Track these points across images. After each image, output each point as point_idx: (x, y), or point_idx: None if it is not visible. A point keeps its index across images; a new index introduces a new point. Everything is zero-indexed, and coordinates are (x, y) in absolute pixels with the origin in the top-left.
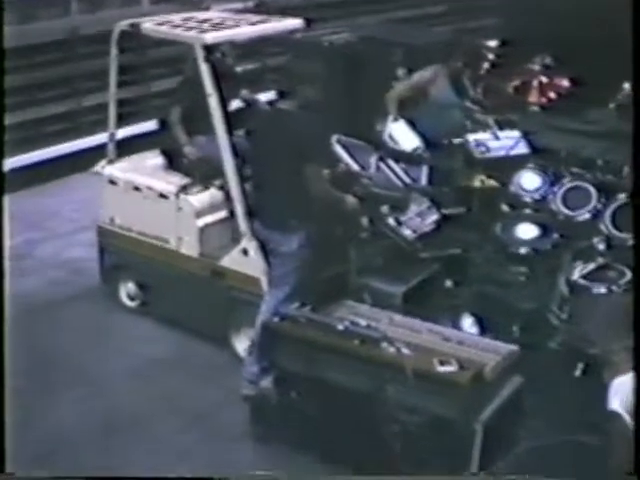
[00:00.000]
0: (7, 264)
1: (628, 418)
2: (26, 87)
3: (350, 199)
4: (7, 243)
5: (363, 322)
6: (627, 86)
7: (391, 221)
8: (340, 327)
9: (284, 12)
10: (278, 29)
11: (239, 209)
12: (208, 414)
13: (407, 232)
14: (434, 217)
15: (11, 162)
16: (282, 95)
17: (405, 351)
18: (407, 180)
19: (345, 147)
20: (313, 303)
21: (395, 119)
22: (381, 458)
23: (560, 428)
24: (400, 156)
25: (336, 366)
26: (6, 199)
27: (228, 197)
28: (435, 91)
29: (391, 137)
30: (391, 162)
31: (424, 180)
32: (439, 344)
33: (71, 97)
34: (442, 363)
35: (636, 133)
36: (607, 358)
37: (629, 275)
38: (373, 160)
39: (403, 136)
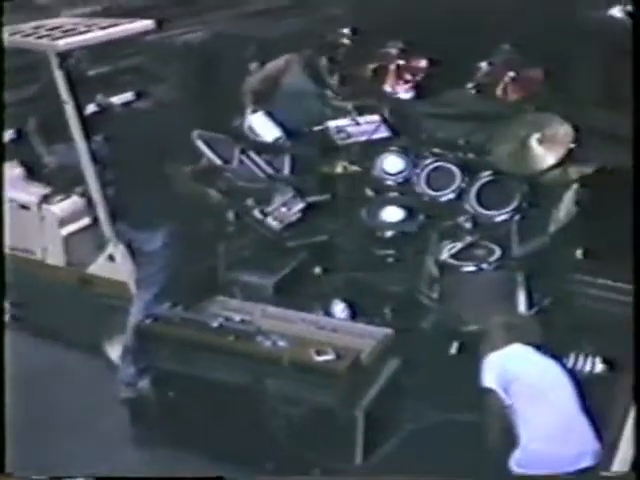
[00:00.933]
0: None
1: (502, 393)
2: None
3: (213, 194)
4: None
5: (237, 317)
6: (484, 65)
7: (256, 213)
8: (214, 324)
9: (133, 13)
10: (130, 31)
11: (102, 215)
12: (86, 422)
13: (273, 223)
14: (299, 206)
15: None
16: (138, 96)
17: (281, 343)
18: (270, 171)
19: (206, 142)
20: (184, 301)
21: (254, 111)
22: (267, 452)
23: (440, 408)
24: (261, 147)
25: (213, 363)
26: None
27: (91, 203)
28: (288, 80)
29: (251, 129)
30: (253, 154)
31: (287, 170)
32: (314, 333)
33: None
34: (319, 353)
35: (636, 133)
36: (483, 335)
37: (498, 252)
38: (235, 154)
39: (263, 127)
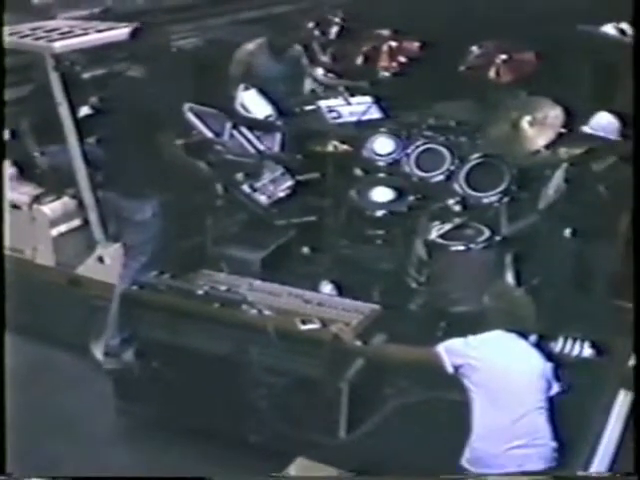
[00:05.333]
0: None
1: (465, 381)
2: None
3: (203, 166)
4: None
5: (223, 288)
6: (475, 48)
7: (245, 188)
8: (200, 292)
9: (130, 18)
10: (125, 35)
11: (93, 217)
12: (73, 421)
13: (261, 198)
14: (288, 183)
15: None
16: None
17: (267, 312)
18: (261, 147)
19: (198, 115)
20: (171, 272)
21: (246, 88)
22: (250, 425)
23: (425, 385)
24: (253, 123)
25: (198, 332)
26: None
27: (81, 205)
28: (258, 62)
29: (243, 106)
30: (244, 130)
31: (277, 147)
32: (300, 306)
33: None
34: (304, 322)
35: (636, 137)
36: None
37: (487, 233)
38: (227, 128)
39: (255, 104)
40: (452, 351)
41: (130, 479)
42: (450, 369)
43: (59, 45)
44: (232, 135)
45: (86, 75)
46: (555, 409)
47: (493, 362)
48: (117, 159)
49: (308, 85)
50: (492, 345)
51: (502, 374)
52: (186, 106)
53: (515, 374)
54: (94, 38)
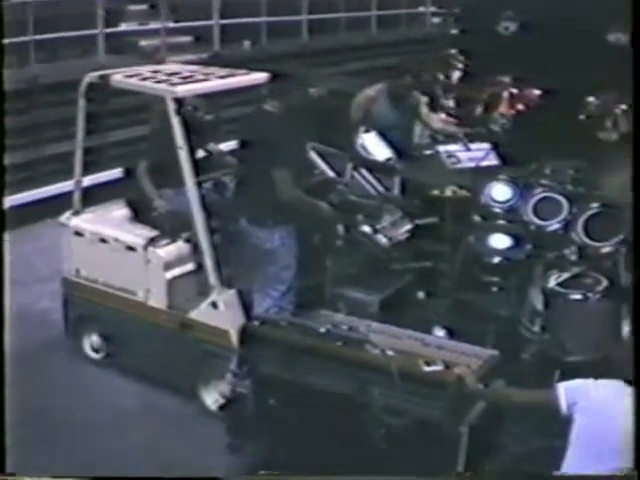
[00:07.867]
0: None
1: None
2: None
3: (324, 206)
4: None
5: (345, 327)
6: (592, 99)
7: (366, 228)
8: (322, 330)
9: (239, 65)
10: (246, 82)
11: (208, 262)
12: (177, 466)
13: (383, 240)
14: (407, 227)
15: None
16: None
17: (389, 352)
18: (380, 189)
19: (320, 154)
20: (290, 310)
21: (366, 130)
22: (365, 463)
23: (541, 434)
24: (373, 165)
25: (318, 370)
26: None
27: (195, 249)
28: (376, 109)
29: (364, 147)
30: (365, 171)
31: (397, 190)
32: (420, 349)
33: (32, 146)
34: (428, 363)
35: (636, 137)
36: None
37: (604, 283)
38: (348, 168)
39: (375, 147)
40: (570, 389)
41: (132, 479)
42: (564, 408)
43: (182, 89)
44: (352, 176)
45: (206, 118)
46: None
47: (604, 409)
48: (245, 188)
49: (425, 132)
50: (609, 392)
51: (608, 423)
52: (309, 145)
53: (619, 427)
54: (215, 84)
